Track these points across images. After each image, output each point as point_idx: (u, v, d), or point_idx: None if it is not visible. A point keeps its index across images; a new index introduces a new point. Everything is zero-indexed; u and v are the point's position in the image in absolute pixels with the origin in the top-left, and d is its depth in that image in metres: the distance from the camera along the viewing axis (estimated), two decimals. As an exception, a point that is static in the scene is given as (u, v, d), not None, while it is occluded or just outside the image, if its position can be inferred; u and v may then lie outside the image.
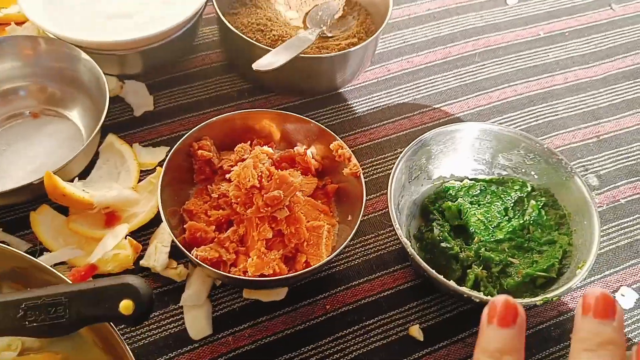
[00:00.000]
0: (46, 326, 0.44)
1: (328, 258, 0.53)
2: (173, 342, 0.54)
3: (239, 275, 0.54)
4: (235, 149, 0.60)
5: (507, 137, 0.63)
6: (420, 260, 0.53)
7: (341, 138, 0.70)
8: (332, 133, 0.60)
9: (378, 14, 0.75)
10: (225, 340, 0.55)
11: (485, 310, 0.35)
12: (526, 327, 0.35)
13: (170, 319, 0.55)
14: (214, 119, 0.60)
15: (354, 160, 0.59)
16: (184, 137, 0.59)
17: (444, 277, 0.59)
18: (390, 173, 0.59)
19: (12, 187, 0.54)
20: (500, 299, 0.35)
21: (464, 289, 0.52)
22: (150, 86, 0.72)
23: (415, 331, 0.56)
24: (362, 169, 0.68)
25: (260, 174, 0.54)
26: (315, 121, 0.71)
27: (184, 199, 0.60)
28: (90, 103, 0.66)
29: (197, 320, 0.55)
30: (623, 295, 0.60)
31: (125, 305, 0.45)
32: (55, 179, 0.54)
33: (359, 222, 0.55)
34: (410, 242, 0.61)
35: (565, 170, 0.60)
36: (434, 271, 0.52)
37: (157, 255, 0.57)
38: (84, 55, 0.64)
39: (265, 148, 0.61)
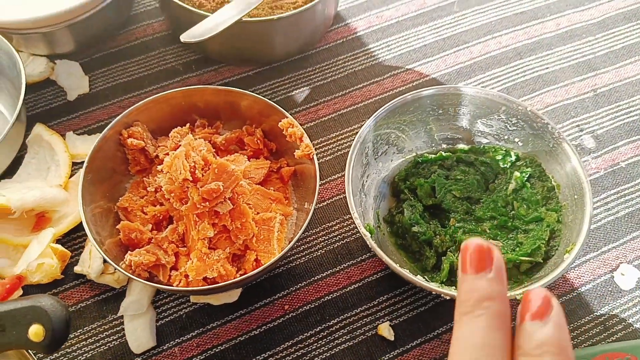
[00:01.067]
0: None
1: (279, 255, 0.46)
2: (112, 357, 0.48)
3: (180, 280, 0.47)
4: (170, 134, 0.52)
5: (484, 101, 0.54)
6: (382, 253, 0.46)
7: (301, 111, 0.62)
8: (281, 109, 0.52)
9: (338, -36, 0.65)
10: (170, 352, 0.49)
11: (459, 261, 0.30)
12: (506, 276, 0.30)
13: (110, 331, 0.50)
14: (146, 100, 0.53)
15: (306, 139, 0.51)
16: (110, 125, 0.51)
17: (418, 265, 0.52)
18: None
19: None
20: (471, 242, 0.30)
21: (432, 285, 0.45)
22: (86, 65, 0.64)
23: (385, 330, 0.50)
24: (326, 145, 0.61)
25: (193, 164, 0.47)
26: (272, 92, 0.63)
27: (120, 194, 0.53)
28: (12, 89, 0.58)
29: (138, 331, 0.49)
30: (623, 275, 0.53)
31: (35, 331, 0.39)
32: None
33: (312, 210, 0.48)
34: (380, 226, 0.54)
35: (552, 136, 0.52)
36: (396, 265, 0.46)
37: (91, 261, 0.51)
38: (-3, 36, 0.56)
39: (206, 130, 0.54)
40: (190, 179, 0.46)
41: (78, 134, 0.59)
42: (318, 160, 0.59)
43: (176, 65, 0.65)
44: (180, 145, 0.50)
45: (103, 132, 0.51)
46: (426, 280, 0.50)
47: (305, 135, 0.51)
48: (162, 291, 0.52)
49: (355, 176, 0.51)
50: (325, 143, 0.61)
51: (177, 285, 0.47)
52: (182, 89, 0.54)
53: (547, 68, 0.66)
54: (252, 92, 0.63)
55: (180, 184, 0.47)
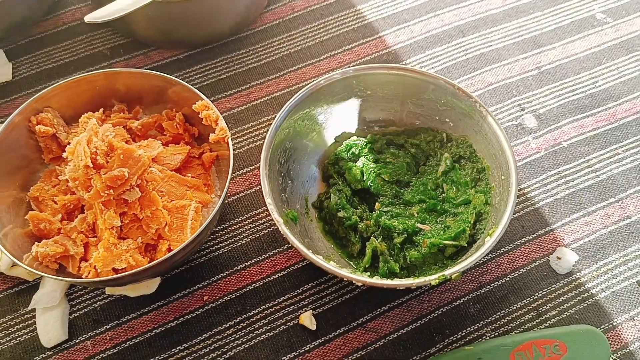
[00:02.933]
0: None
1: (187, 242, 0.44)
2: (22, 352, 0.47)
3: (90, 272, 0.45)
4: (80, 120, 0.50)
5: (411, 80, 0.52)
6: (294, 239, 0.44)
7: (233, 94, 0.60)
8: (199, 92, 0.50)
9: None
10: (83, 345, 0.47)
11: None
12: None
13: (21, 325, 0.48)
14: (55, 85, 0.50)
15: (221, 123, 0.49)
16: (17, 111, 0.49)
17: (344, 251, 0.50)
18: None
19: None
20: None
21: (343, 272, 0.43)
22: (10, 52, 0.62)
23: (307, 319, 0.48)
24: (257, 129, 0.59)
25: (95, 150, 0.44)
26: (203, 76, 0.61)
27: (34, 183, 0.51)
28: None
29: (50, 325, 0.47)
30: (559, 258, 0.51)
31: None
32: None
33: (223, 195, 0.46)
34: (308, 212, 0.52)
35: (480, 115, 0.50)
36: (308, 251, 0.43)
37: (2, 253, 0.49)
38: None
39: (122, 115, 0.52)
40: (91, 165, 0.44)
41: (-2, 123, 0.57)
42: (248, 145, 0.58)
43: (104, 49, 0.62)
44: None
45: (8, 120, 0.48)
46: (350, 267, 0.48)
47: (221, 118, 0.49)
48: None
49: (276, 160, 0.49)
50: (256, 127, 0.58)
51: (86, 277, 0.45)
52: (94, 73, 0.51)
53: (491, 46, 0.63)
54: (182, 75, 0.61)
55: (84, 171, 0.45)
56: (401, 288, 0.42)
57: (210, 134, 0.49)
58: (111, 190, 0.45)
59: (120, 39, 0.63)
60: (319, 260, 0.43)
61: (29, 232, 0.48)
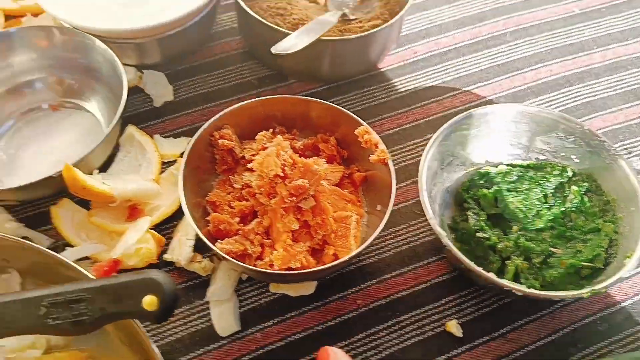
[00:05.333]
0: (68, 323, 0.42)
1: (358, 250, 0.50)
2: (200, 338, 0.52)
3: (266, 268, 0.51)
4: (256, 137, 0.57)
5: (544, 119, 0.59)
6: (457, 251, 0.50)
7: (368, 124, 0.67)
8: (358, 118, 0.57)
9: (403, -6, 0.71)
10: (253, 336, 0.52)
11: None
12: None
13: (196, 315, 0.53)
14: (235, 106, 0.58)
15: (381, 145, 0.56)
16: (204, 126, 0.56)
17: (481, 269, 0.56)
18: (420, 160, 0.56)
19: (31, 181, 0.53)
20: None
21: (505, 281, 0.49)
22: (170, 76, 0.70)
23: (453, 327, 0.53)
24: (392, 155, 0.65)
25: (283, 162, 0.51)
26: (342, 107, 0.68)
27: (207, 190, 0.58)
28: (109, 94, 0.64)
29: (223, 316, 0.53)
30: (675, 286, 0.56)
31: (149, 301, 0.43)
32: (74, 171, 0.52)
33: (389, 211, 0.52)
34: (444, 232, 0.58)
35: (608, 154, 0.56)
36: (472, 263, 0.49)
37: (181, 249, 0.55)
38: (100, 44, 0.62)
39: (286, 136, 0.59)
40: (282, 174, 0.51)
41: (164, 137, 0.64)
42: (383, 170, 0.64)
43: (252, 79, 0.70)
44: (266, 147, 0.55)
45: (198, 132, 0.56)
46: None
47: (380, 141, 0.56)
48: (243, 280, 0.55)
49: (428, 182, 0.56)
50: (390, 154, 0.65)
51: (263, 274, 0.51)
52: (269, 97, 0.59)
53: (596, 95, 0.70)
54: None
55: (270, 180, 0.51)
56: (556, 299, 0.48)
57: (371, 155, 0.56)
58: (293, 198, 0.51)
59: (266, 71, 0.71)
60: (480, 270, 0.49)
61: (206, 232, 0.54)
